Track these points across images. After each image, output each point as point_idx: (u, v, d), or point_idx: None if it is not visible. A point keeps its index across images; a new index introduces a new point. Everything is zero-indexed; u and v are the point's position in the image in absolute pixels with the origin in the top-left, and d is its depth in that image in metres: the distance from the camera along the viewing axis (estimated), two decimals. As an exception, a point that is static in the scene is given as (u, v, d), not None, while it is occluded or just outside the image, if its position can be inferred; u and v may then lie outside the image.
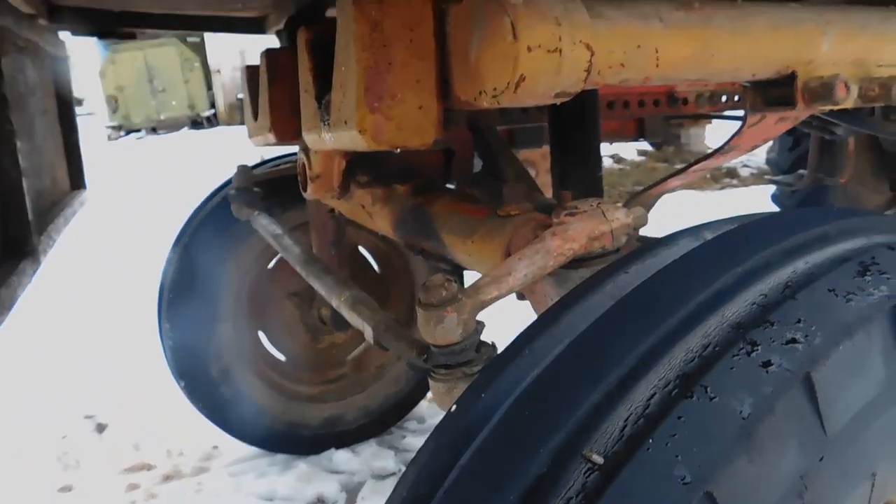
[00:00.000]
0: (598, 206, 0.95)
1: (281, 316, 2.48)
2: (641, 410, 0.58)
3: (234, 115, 17.44)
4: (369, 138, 0.97)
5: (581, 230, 0.92)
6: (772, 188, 4.08)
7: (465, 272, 1.97)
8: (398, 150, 1.01)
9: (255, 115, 1.62)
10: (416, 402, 2.77)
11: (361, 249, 2.56)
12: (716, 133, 7.45)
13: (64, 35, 1.94)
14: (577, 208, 0.95)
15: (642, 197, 1.51)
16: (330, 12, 1.47)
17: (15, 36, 1.38)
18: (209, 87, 18.56)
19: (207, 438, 2.67)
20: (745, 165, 8.21)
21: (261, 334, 2.50)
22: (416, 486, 0.62)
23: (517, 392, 0.63)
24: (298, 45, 1.27)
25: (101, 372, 3.44)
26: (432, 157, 1.62)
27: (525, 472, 0.56)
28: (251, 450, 2.60)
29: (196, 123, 18.18)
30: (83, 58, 17.42)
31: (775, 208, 4.02)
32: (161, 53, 17.51)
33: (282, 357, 2.56)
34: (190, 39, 17.78)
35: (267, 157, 2.50)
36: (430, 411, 2.88)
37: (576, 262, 0.94)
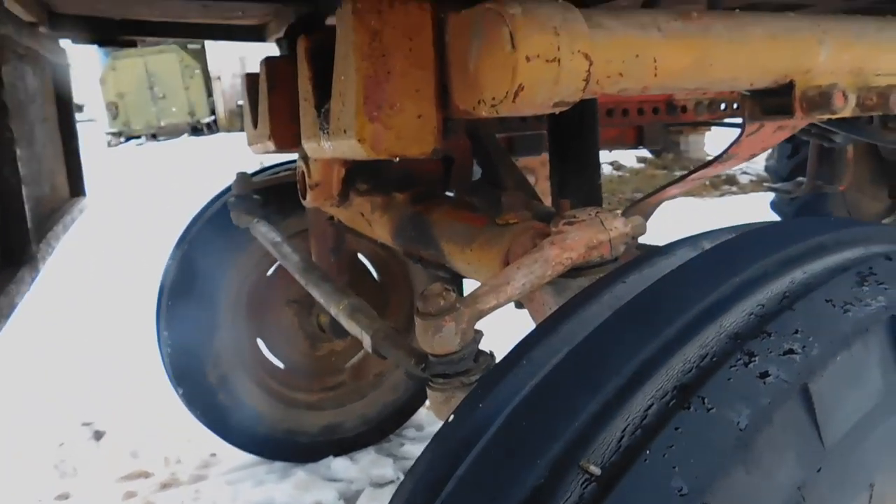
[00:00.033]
0: (597, 215, 0.96)
1: (280, 323, 2.48)
2: (639, 421, 0.58)
3: (235, 121, 17.46)
4: (368, 147, 0.97)
5: (579, 239, 0.93)
6: (771, 195, 4.08)
7: (464, 280, 1.97)
8: (397, 159, 1.01)
9: (255, 123, 1.62)
10: (414, 410, 2.77)
11: (361, 257, 2.56)
12: (715, 140, 7.47)
13: (64, 42, 1.94)
14: (575, 217, 0.95)
15: (641, 205, 1.51)
16: (330, 21, 1.48)
17: (15, 44, 1.38)
18: (209, 93, 18.60)
19: (205, 446, 2.66)
20: (745, 173, 8.22)
21: (259, 341, 2.50)
22: (414, 496, 0.61)
23: (515, 402, 0.63)
24: (298, 53, 1.27)
25: (99, 379, 3.43)
26: (431, 165, 1.62)
27: (522, 482, 0.56)
28: (249, 457, 2.60)
29: (196, 130, 18.21)
30: (84, 64, 17.51)
31: (774, 216, 4.03)
32: (161, 60, 17.56)
33: (280, 364, 2.55)
34: (190, 46, 17.83)
35: (266, 165, 2.51)
36: (429, 419, 2.87)
37: (574, 272, 0.94)
